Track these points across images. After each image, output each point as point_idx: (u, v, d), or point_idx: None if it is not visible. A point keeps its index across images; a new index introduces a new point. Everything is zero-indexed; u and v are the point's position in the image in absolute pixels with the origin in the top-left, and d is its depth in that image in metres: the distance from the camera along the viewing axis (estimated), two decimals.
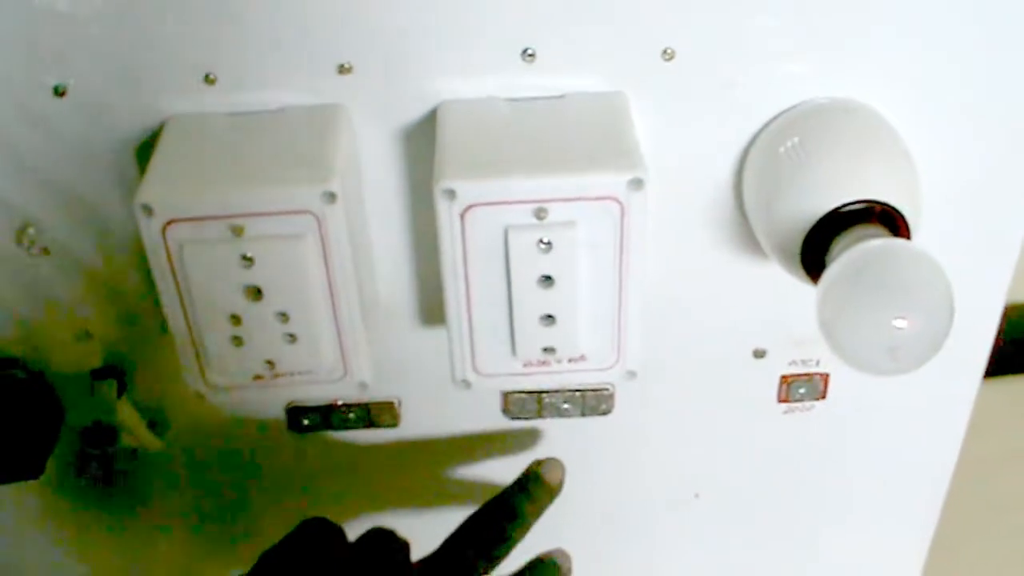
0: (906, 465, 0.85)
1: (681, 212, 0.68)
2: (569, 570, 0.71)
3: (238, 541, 0.86)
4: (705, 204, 0.68)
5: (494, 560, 0.67)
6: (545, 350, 0.64)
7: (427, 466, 0.81)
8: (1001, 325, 0.77)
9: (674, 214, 0.68)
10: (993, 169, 0.68)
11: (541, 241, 0.59)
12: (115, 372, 0.74)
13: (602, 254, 0.60)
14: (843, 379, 0.78)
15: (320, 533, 0.67)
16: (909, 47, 0.63)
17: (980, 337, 0.77)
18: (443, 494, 0.83)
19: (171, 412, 0.78)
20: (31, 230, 0.67)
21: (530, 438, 0.80)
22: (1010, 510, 1.33)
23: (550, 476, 0.72)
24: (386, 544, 0.67)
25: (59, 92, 0.62)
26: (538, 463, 0.72)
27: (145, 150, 0.63)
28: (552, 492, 0.72)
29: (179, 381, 0.74)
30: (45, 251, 0.68)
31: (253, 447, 0.80)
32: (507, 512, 0.69)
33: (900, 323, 0.54)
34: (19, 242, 0.67)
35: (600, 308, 0.63)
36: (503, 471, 0.81)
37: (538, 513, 0.71)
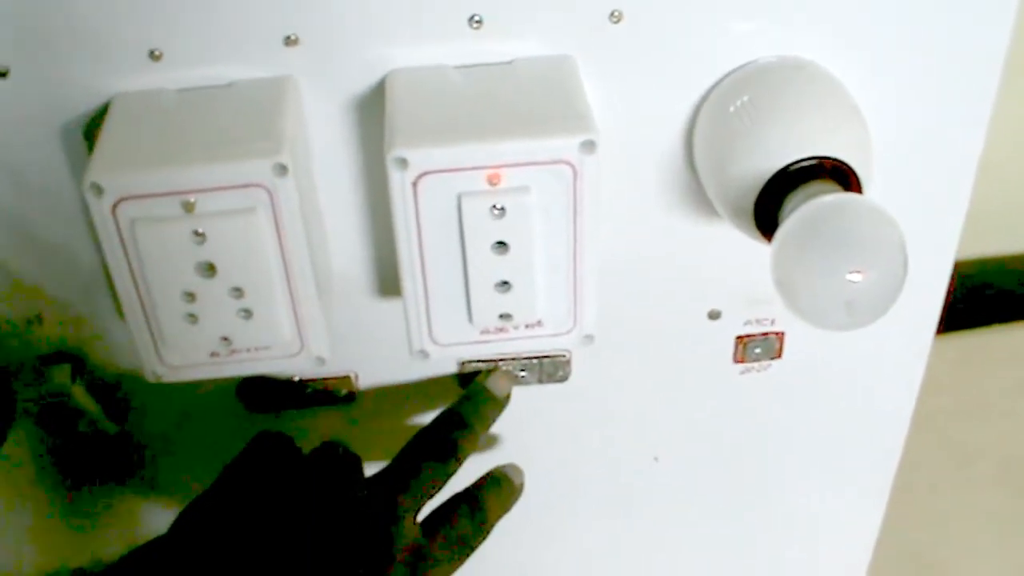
0: (863, 421, 0.86)
1: (633, 174, 0.68)
2: (521, 484, 0.73)
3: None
4: (656, 166, 0.68)
5: (446, 471, 0.69)
6: (502, 317, 0.64)
7: (385, 438, 0.80)
8: (952, 281, 0.78)
9: (626, 177, 0.68)
10: (942, 123, 0.68)
11: (494, 207, 0.59)
12: (69, 356, 0.74)
13: (556, 218, 0.60)
14: (798, 338, 0.79)
15: (275, 446, 0.68)
16: (856, 4, 0.63)
17: (932, 292, 0.78)
18: None
19: (130, 394, 0.77)
20: None
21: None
22: (965, 463, 1.35)
23: (496, 387, 0.74)
24: (339, 456, 0.68)
25: (1, 74, 0.61)
26: (485, 374, 0.75)
27: (93, 130, 0.63)
28: (499, 403, 0.74)
29: (131, 365, 0.74)
30: None
31: (211, 424, 0.79)
32: (455, 423, 0.71)
33: (855, 276, 0.54)
34: None
35: (555, 273, 0.63)
36: None
37: (486, 423, 0.73)
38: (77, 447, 0.79)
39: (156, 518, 0.85)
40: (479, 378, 0.75)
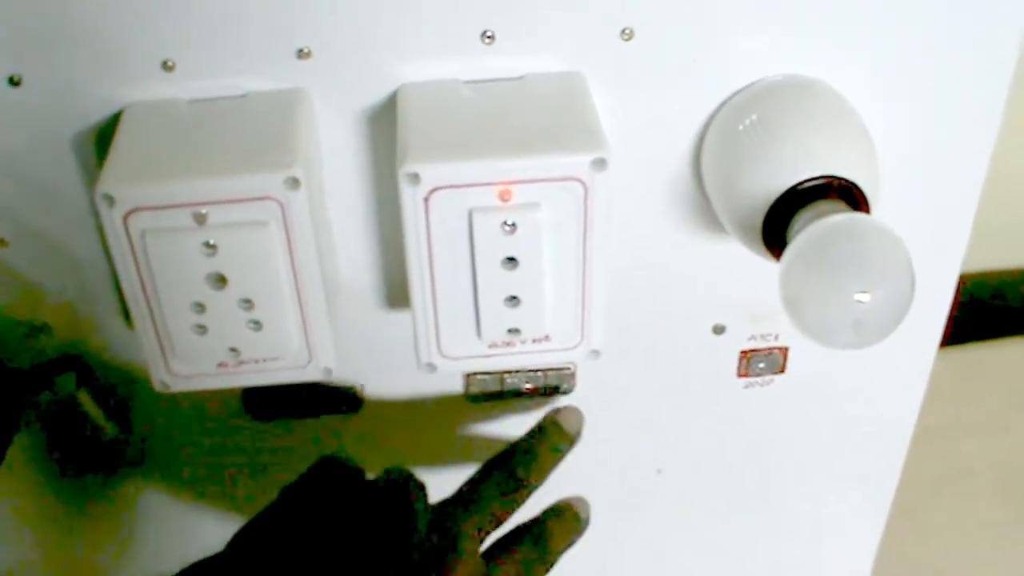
0: (865, 435, 0.86)
1: (641, 191, 0.69)
2: (588, 518, 0.72)
3: (198, 525, 0.86)
4: (665, 183, 0.68)
5: (511, 504, 0.68)
6: (510, 331, 0.64)
7: (390, 450, 0.81)
8: (956, 295, 0.78)
9: (634, 193, 0.68)
10: (949, 141, 0.69)
11: (505, 223, 0.59)
12: (75, 363, 0.74)
13: (566, 235, 0.61)
14: (802, 353, 0.79)
15: (339, 470, 0.67)
16: (865, 22, 0.63)
17: (936, 308, 0.78)
18: None
19: (135, 401, 0.77)
20: None
21: (493, 419, 0.80)
22: (966, 475, 1.35)
23: (568, 424, 0.73)
24: (404, 484, 0.66)
25: (14, 82, 0.61)
26: (556, 411, 0.74)
27: (105, 139, 0.63)
28: (570, 439, 0.73)
29: (138, 374, 0.74)
30: (3, 242, 0.67)
31: (216, 434, 0.80)
32: (524, 456, 0.70)
33: (863, 297, 0.55)
34: None
35: (564, 288, 0.63)
36: (467, 453, 0.81)
37: (555, 459, 0.72)
38: (80, 446, 0.79)
39: (161, 517, 0.85)
40: (549, 414, 0.74)
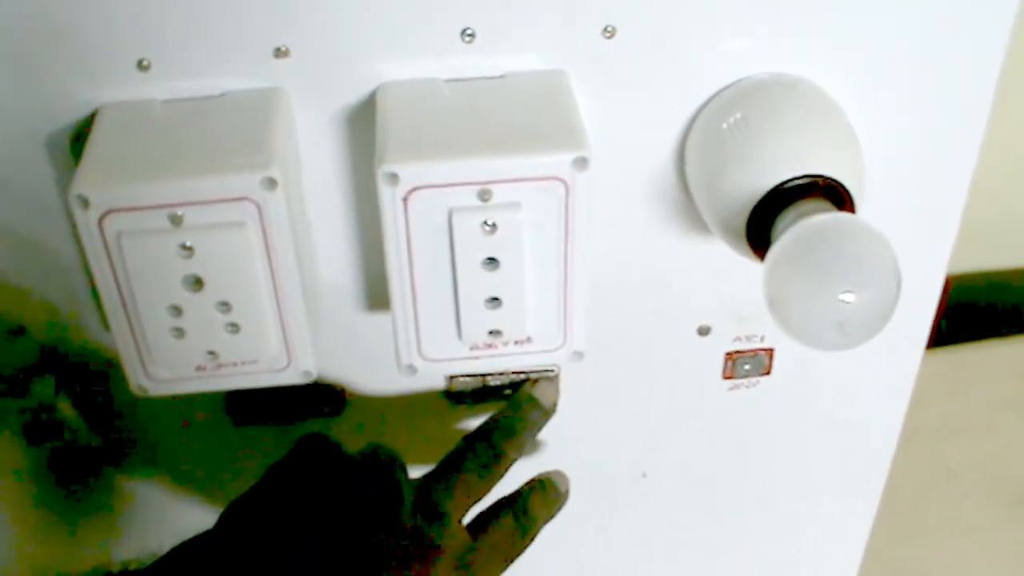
0: (851, 437, 0.85)
1: (624, 191, 0.68)
2: (567, 491, 0.73)
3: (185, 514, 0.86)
4: (648, 182, 0.68)
5: (492, 477, 0.69)
6: (491, 333, 0.64)
7: None
8: (942, 297, 0.78)
9: (617, 193, 0.68)
10: (934, 141, 0.68)
11: (485, 223, 0.59)
12: (53, 368, 0.73)
13: (547, 235, 0.60)
14: (787, 354, 0.79)
15: (323, 447, 0.67)
16: (850, 21, 0.63)
17: (922, 309, 0.78)
18: None
19: (108, 411, 0.76)
20: None
21: (475, 422, 0.80)
22: (953, 477, 1.35)
23: (544, 396, 0.75)
24: (385, 460, 0.67)
25: None
26: (532, 383, 0.75)
27: (79, 140, 0.62)
28: (546, 412, 0.74)
29: (115, 379, 0.73)
30: None
31: (194, 439, 0.79)
32: (501, 430, 0.71)
33: (848, 297, 0.54)
34: None
35: (546, 289, 0.62)
36: None
37: (532, 432, 0.73)
38: (59, 455, 0.78)
39: (146, 510, 0.84)
40: (526, 386, 0.75)
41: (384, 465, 0.67)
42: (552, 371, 0.77)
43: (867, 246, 0.55)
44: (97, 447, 0.78)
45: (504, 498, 0.70)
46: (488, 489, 0.69)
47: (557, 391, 0.76)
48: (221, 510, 0.64)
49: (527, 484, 0.71)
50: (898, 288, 0.55)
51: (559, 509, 0.72)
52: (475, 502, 0.68)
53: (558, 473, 0.73)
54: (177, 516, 0.84)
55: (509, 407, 0.73)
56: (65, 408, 0.73)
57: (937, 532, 1.30)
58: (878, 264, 0.55)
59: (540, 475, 0.72)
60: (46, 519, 0.83)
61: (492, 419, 0.72)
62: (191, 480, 0.82)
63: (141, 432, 0.78)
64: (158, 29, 0.60)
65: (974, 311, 1.55)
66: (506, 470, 0.70)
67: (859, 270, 0.55)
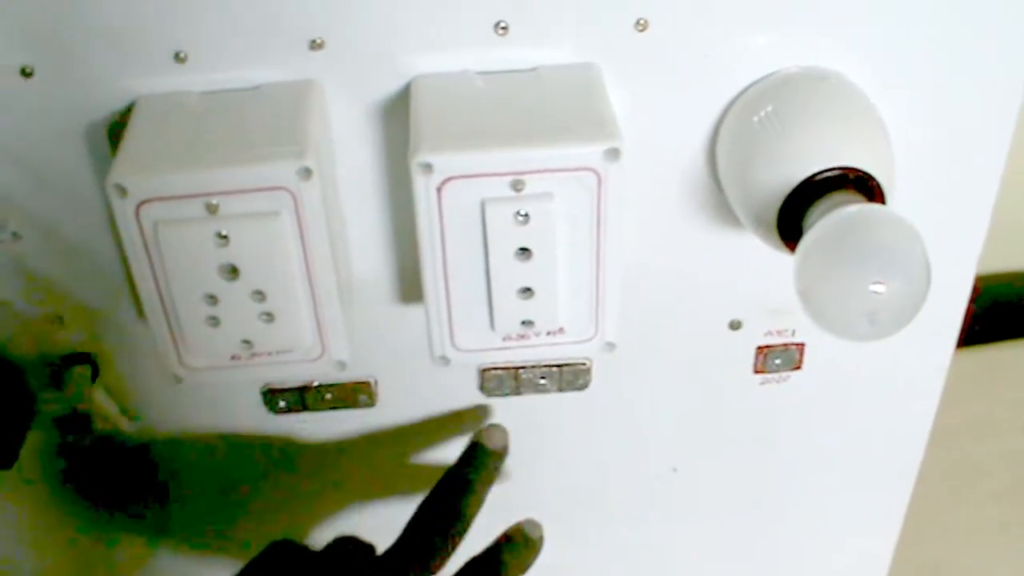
0: (882, 433, 0.85)
1: (656, 183, 0.68)
2: (540, 538, 0.71)
3: (212, 527, 0.86)
4: (680, 175, 0.68)
5: (454, 539, 0.69)
6: (524, 323, 0.64)
7: (404, 445, 0.81)
8: (973, 296, 0.77)
9: (649, 185, 0.68)
10: (964, 134, 0.68)
11: (518, 214, 0.59)
12: (87, 358, 0.74)
13: (579, 225, 0.60)
14: (818, 349, 0.79)
15: (286, 551, 0.68)
16: (881, 14, 0.63)
17: (953, 306, 0.78)
18: (420, 474, 0.82)
19: (142, 401, 0.77)
20: (1, 215, 0.66)
21: (507, 415, 0.80)
22: (982, 478, 1.34)
23: (492, 442, 0.73)
24: (350, 548, 0.68)
25: (26, 73, 0.61)
26: (478, 433, 0.74)
27: (116, 131, 0.63)
28: (498, 457, 0.73)
29: (150, 368, 0.74)
30: (15, 236, 0.67)
31: (227, 431, 0.80)
32: (458, 488, 0.71)
33: (878, 287, 0.54)
34: None
35: (578, 280, 0.63)
36: None
37: (489, 482, 0.72)
38: (93, 456, 0.79)
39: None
40: (474, 436, 0.74)
41: (349, 553, 0.67)
42: (584, 363, 0.77)
43: (897, 236, 0.55)
44: (130, 447, 0.79)
45: (477, 559, 0.69)
46: (455, 550, 0.69)
47: (505, 434, 0.75)
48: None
49: (500, 540, 0.71)
50: (928, 279, 0.55)
51: (534, 560, 0.71)
52: (443, 567, 0.68)
53: (530, 522, 0.72)
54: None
55: (462, 461, 0.73)
56: (99, 396, 0.73)
57: (967, 531, 1.30)
58: (908, 254, 0.55)
59: (510, 528, 0.71)
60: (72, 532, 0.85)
61: (447, 477, 0.72)
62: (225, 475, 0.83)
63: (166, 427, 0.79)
64: (195, 22, 0.60)
65: (1005, 310, 1.54)
66: (469, 527, 0.69)
67: (889, 260, 0.55)
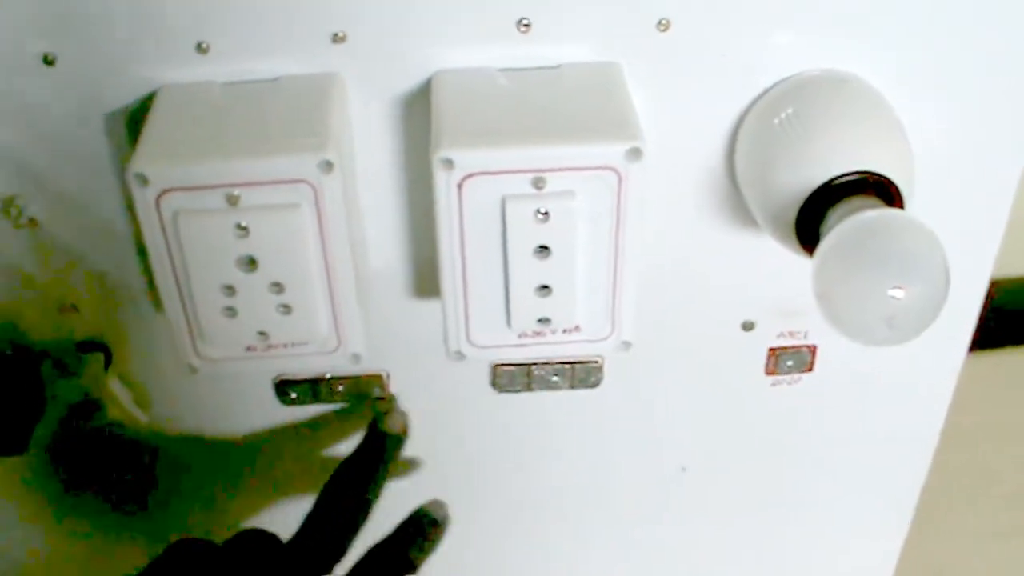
0: (892, 436, 0.85)
1: (674, 183, 0.68)
2: (446, 517, 0.71)
3: (219, 516, 0.86)
4: (698, 175, 0.68)
5: (357, 526, 0.69)
6: (540, 321, 0.64)
7: (415, 439, 0.80)
8: (986, 299, 0.77)
9: (667, 185, 0.68)
10: (983, 140, 0.68)
11: (539, 211, 0.59)
12: (101, 346, 0.74)
13: (599, 224, 0.60)
14: (830, 352, 0.79)
15: (188, 547, 0.68)
16: (901, 18, 0.63)
17: (967, 309, 0.78)
18: (431, 466, 0.83)
19: (154, 390, 0.77)
20: (19, 201, 0.66)
21: (518, 411, 0.80)
22: (991, 482, 1.34)
23: (391, 427, 0.74)
24: (254, 539, 0.68)
25: (48, 61, 0.61)
26: (378, 418, 0.74)
27: (137, 120, 0.62)
28: (397, 441, 0.74)
29: (162, 359, 0.74)
30: (33, 222, 0.67)
31: (239, 422, 0.80)
32: (360, 475, 0.71)
33: (897, 292, 0.54)
34: (6, 214, 0.67)
35: (596, 278, 0.63)
36: (492, 442, 0.81)
37: (389, 467, 0.73)
38: (101, 449, 0.79)
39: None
40: (373, 422, 0.74)
41: (252, 544, 0.68)
42: (596, 361, 0.77)
43: (917, 242, 0.55)
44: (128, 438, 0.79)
45: (383, 543, 0.69)
46: (356, 536, 0.69)
47: (404, 417, 0.75)
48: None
49: (404, 526, 0.70)
50: (947, 284, 0.55)
51: (441, 540, 0.71)
52: (346, 552, 0.69)
53: (435, 503, 0.71)
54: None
55: (361, 447, 0.73)
56: (113, 383, 0.74)
57: (976, 535, 1.30)
58: (928, 260, 0.55)
59: (415, 512, 0.71)
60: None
61: (346, 463, 0.72)
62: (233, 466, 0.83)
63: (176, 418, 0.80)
64: (218, 13, 0.60)
65: (1018, 315, 1.54)
66: (369, 515, 0.70)
67: (909, 265, 0.55)
